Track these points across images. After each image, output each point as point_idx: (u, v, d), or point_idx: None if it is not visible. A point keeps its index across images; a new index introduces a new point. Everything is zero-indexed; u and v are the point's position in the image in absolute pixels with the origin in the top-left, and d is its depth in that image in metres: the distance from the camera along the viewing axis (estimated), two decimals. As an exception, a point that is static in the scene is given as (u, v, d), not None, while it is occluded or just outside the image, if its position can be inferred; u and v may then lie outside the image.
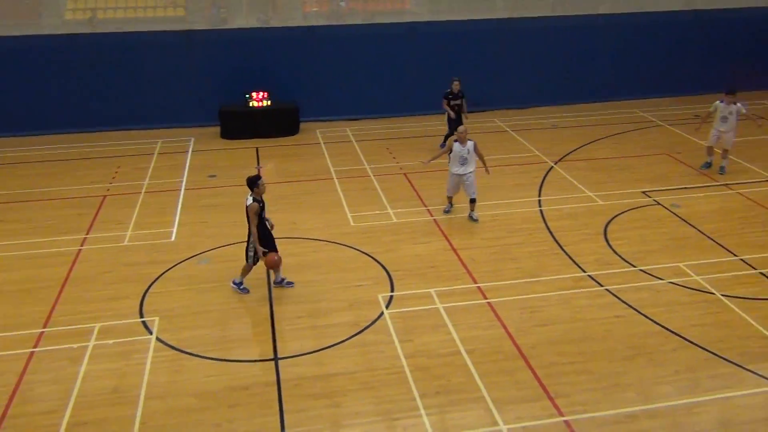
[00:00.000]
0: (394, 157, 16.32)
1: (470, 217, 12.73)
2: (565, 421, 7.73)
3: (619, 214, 12.99)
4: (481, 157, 12.44)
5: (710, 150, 15.05)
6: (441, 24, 19.35)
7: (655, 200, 13.56)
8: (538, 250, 11.67)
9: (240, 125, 17.87)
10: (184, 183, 14.89)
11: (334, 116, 19.27)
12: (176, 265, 11.34)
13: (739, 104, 14.41)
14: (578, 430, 7.59)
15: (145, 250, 11.87)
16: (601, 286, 10.51)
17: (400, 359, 8.84)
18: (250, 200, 9.79)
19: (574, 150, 16.56)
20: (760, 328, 9.38)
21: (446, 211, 12.98)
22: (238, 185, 14.62)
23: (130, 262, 11.45)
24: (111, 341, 9.25)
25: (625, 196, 13.74)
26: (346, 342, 9.24)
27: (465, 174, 12.34)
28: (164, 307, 10.09)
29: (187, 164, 16.04)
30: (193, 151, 16.98)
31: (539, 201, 13.65)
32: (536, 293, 10.33)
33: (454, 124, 16.05)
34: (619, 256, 11.40)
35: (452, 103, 15.82)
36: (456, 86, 15.76)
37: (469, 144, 12.24)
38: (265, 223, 10.04)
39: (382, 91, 19.33)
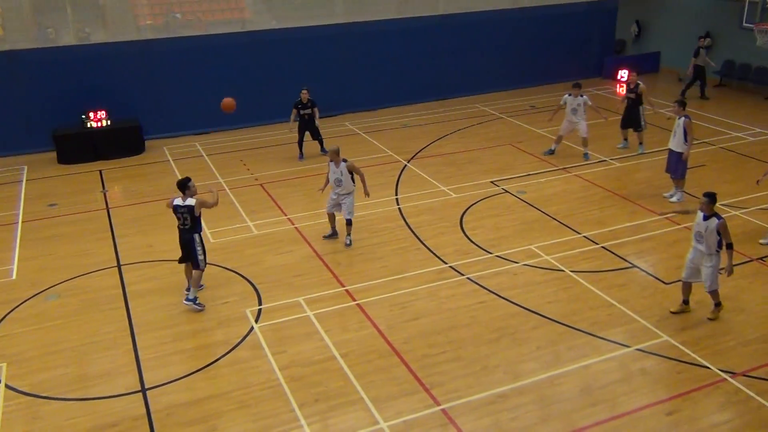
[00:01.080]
0: (248, 169, 16.03)
1: (345, 242, 11.94)
2: (443, 410, 7.95)
3: (473, 204, 13.58)
4: (360, 175, 11.61)
5: (559, 139, 16.10)
6: (282, 31, 19.25)
7: (503, 188, 14.30)
8: (401, 247, 11.93)
9: (78, 148, 16.77)
10: (20, 215, 13.74)
11: (182, 131, 18.60)
12: (20, 304, 10.45)
13: (585, 96, 15.57)
14: (455, 416, 7.84)
15: (-18, 292, 10.84)
16: (463, 275, 10.93)
17: (274, 372, 8.69)
18: (191, 200, 9.81)
19: (425, 147, 17.10)
20: (606, 298, 10.17)
21: (326, 237, 12.16)
22: (83, 212, 13.79)
23: (-34, 307, 10.41)
24: (-49, 397, 8.36)
25: (476, 187, 14.38)
26: (217, 362, 8.95)
27: (341, 195, 11.65)
28: (11, 352, 9.26)
29: (22, 194, 14.83)
30: (27, 180, 15.72)
31: (397, 199, 13.96)
32: (403, 289, 10.55)
33: (302, 131, 16.12)
34: (476, 245, 11.91)
35: (302, 112, 15.85)
36: (305, 96, 15.79)
37: (342, 165, 11.46)
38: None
39: (230, 102, 18.92)
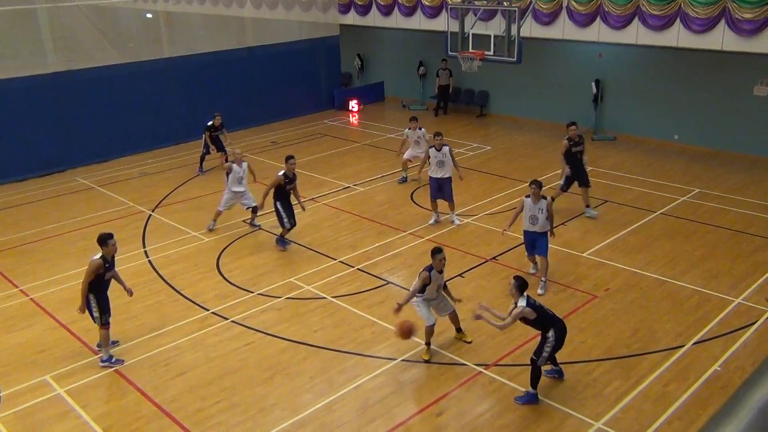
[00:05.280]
0: (-37, 241, 14.04)
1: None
2: (225, 462, 7.63)
3: (227, 246, 13.32)
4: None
5: (405, 164, 16.52)
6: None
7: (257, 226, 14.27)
8: (157, 301, 11.27)
9: None
10: None
11: None
12: None
13: (423, 129, 16.17)
14: (239, 466, 7.56)
15: None
16: (227, 319, 10.64)
17: (26, 466, 7.65)
18: (96, 257, 9.29)
19: (169, 194, 16.43)
20: (368, 317, 10.59)
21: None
22: None
23: None
24: None
25: (228, 228, 14.14)
26: (-50, 471, 7.64)
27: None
28: None
29: None
30: None
31: (145, 252, 13.18)
32: (165, 345, 9.96)
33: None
34: (237, 286, 11.69)
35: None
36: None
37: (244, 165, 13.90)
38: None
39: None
